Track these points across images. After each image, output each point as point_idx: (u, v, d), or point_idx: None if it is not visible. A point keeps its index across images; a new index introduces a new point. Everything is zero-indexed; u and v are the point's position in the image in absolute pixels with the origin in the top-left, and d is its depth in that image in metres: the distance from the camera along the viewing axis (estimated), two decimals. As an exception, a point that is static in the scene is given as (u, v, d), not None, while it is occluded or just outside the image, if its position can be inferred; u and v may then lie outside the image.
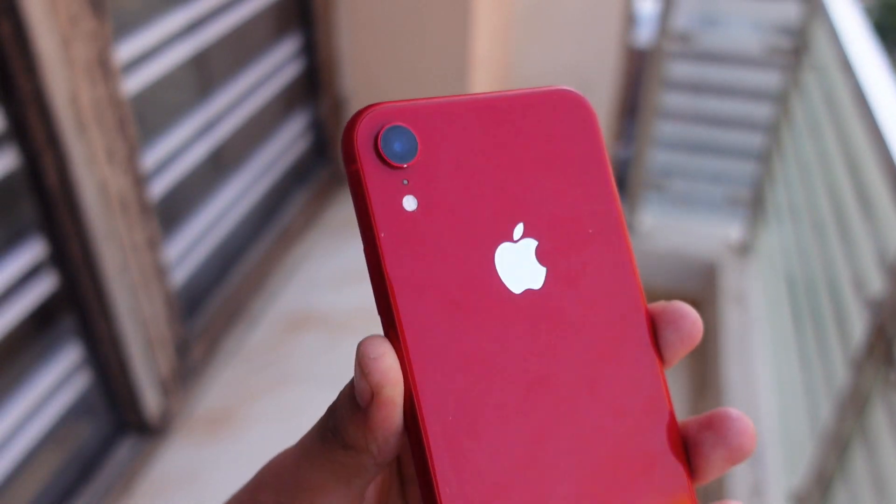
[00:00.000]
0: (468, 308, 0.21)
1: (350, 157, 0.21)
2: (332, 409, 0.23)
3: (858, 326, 1.06)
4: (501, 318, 0.22)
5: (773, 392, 1.49)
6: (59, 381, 1.01)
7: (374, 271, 0.21)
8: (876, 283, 1.02)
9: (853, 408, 1.03)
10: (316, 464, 0.23)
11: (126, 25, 1.06)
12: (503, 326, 0.22)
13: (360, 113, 0.22)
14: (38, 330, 1.00)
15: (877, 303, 0.98)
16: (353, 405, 0.22)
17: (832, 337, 1.18)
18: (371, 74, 1.63)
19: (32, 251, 0.94)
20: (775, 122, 1.72)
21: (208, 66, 1.28)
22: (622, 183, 2.08)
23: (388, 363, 0.21)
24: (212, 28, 1.24)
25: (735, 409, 0.23)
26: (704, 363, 1.72)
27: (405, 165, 0.21)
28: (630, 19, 1.80)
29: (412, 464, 0.24)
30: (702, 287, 1.86)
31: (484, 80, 1.63)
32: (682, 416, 0.23)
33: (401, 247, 0.21)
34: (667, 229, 1.93)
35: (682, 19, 1.80)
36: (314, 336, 1.37)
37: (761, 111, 1.80)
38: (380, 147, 0.21)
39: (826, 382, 1.18)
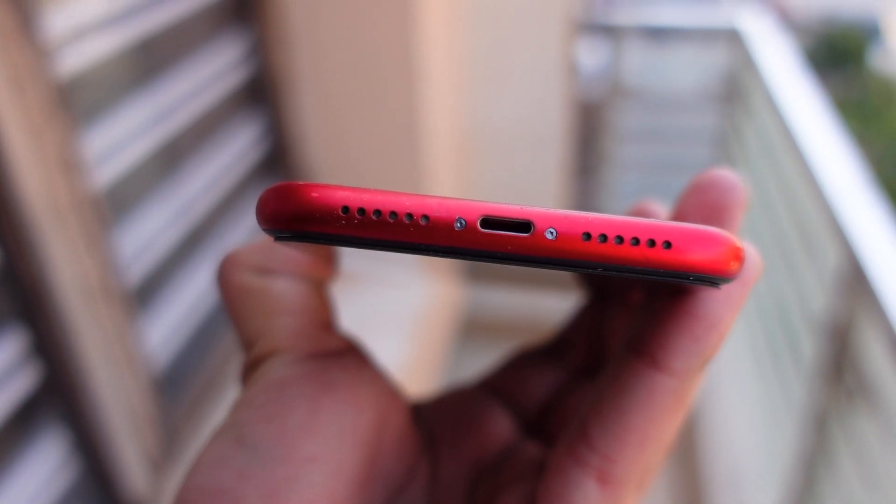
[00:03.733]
0: None
1: None
2: None
3: (811, 347, 1.12)
4: None
5: (744, 416, 1.54)
6: (48, 469, 1.03)
7: None
8: (819, 303, 1.09)
9: (814, 427, 1.08)
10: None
11: (92, 118, 1.11)
12: None
13: None
14: (24, 420, 1.02)
15: (823, 323, 1.05)
16: None
17: (789, 359, 1.24)
18: (333, 149, 1.70)
19: (14, 345, 0.97)
20: (718, 162, 1.81)
21: (177, 152, 1.33)
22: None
23: None
24: (177, 116, 1.30)
25: (714, 172, 0.21)
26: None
27: None
28: (575, 72, 1.88)
29: None
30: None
31: (441, 146, 1.70)
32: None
33: None
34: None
35: (626, 72, 1.88)
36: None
37: (706, 153, 1.89)
38: None
39: (789, 404, 1.23)
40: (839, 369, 1.00)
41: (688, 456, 1.56)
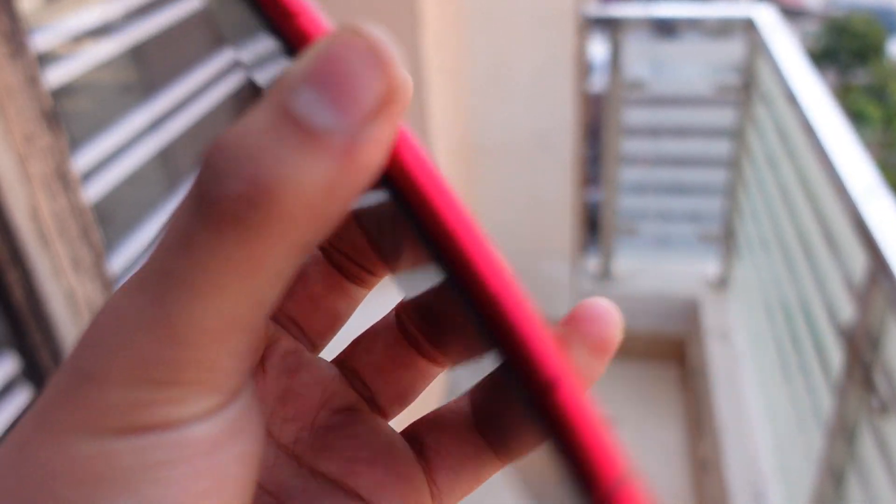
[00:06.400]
0: None
1: None
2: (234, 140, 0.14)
3: (836, 354, 1.06)
4: None
5: (767, 426, 1.49)
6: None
7: None
8: (846, 310, 1.03)
9: (842, 436, 1.03)
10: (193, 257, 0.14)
11: (83, 132, 1.08)
12: None
13: None
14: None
15: (849, 329, 0.99)
16: (299, 129, 0.13)
17: (815, 366, 1.18)
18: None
19: (4, 368, 0.94)
20: (736, 158, 1.76)
21: (171, 163, 1.30)
22: (596, 230, 2.10)
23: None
24: (171, 126, 1.27)
25: (597, 302, 0.20)
26: (697, 403, 1.72)
27: None
28: (584, 68, 1.84)
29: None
30: (685, 326, 1.86)
31: (444, 148, 1.66)
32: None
33: None
34: (644, 272, 1.94)
35: (633, 67, 1.84)
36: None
37: (723, 148, 1.84)
38: None
39: (814, 413, 1.18)
40: (868, 378, 0.94)
41: (713, 469, 1.52)
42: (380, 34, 0.14)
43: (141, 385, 0.14)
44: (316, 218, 0.14)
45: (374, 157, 0.14)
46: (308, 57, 0.14)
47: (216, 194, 0.13)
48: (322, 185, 0.13)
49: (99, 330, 0.15)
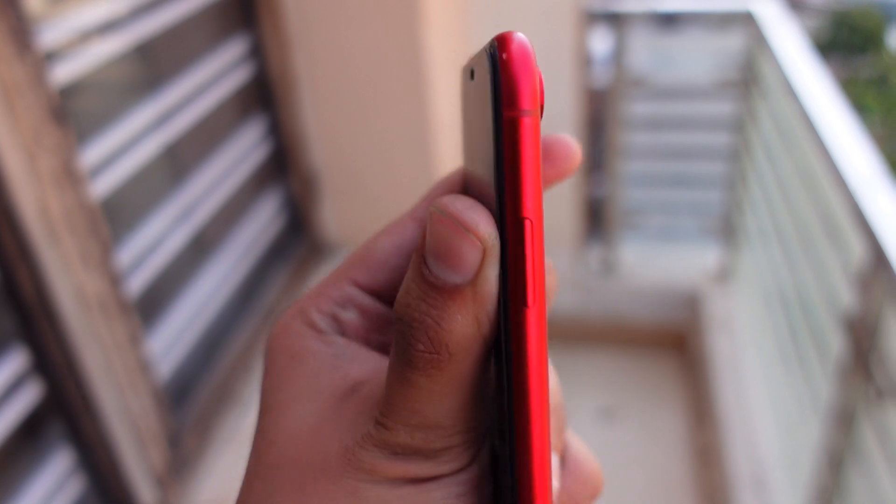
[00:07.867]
0: None
1: (524, 102, 0.18)
2: (407, 321, 0.20)
3: (836, 343, 1.07)
4: None
5: (769, 416, 1.50)
6: (52, 488, 1.01)
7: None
8: (846, 299, 1.04)
9: (842, 425, 1.04)
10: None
11: (91, 128, 1.09)
12: None
13: (521, 44, 0.18)
14: (27, 439, 1.00)
15: (849, 318, 1.00)
16: (440, 291, 0.19)
17: (815, 356, 1.19)
18: (337, 150, 1.67)
19: (14, 362, 0.95)
20: (737, 150, 1.77)
21: (178, 157, 1.31)
22: (598, 222, 2.11)
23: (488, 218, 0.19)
24: (177, 121, 1.27)
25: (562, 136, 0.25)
26: (698, 393, 1.73)
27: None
28: (586, 61, 1.85)
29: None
30: (687, 317, 1.87)
31: (449, 143, 1.67)
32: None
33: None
34: (646, 264, 1.95)
35: (635, 60, 1.85)
36: (306, 412, 1.36)
37: (725, 140, 1.85)
38: (541, 96, 0.19)
39: (815, 402, 1.19)
40: (867, 366, 0.96)
41: (714, 457, 1.53)
42: (459, 205, 0.19)
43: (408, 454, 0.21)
44: (478, 343, 0.19)
45: (494, 289, 0.19)
46: (427, 237, 0.20)
47: (413, 357, 0.20)
48: (472, 322, 0.19)
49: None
